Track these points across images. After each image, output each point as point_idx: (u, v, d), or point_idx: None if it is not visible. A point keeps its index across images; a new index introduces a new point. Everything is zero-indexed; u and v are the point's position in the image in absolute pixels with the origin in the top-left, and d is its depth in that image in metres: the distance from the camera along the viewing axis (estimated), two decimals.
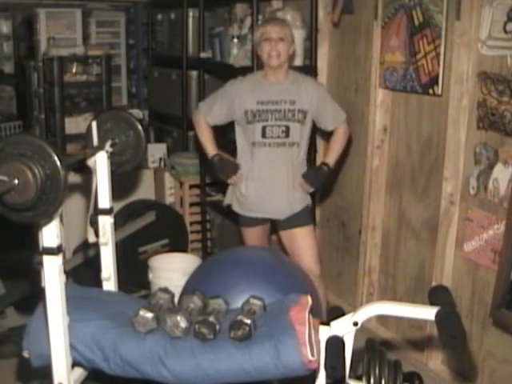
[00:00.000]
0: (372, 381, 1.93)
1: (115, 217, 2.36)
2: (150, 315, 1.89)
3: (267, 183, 3.03)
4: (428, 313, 1.87)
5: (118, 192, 2.44)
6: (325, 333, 1.92)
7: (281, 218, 3.08)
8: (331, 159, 3.11)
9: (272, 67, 2.96)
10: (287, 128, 2.98)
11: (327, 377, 1.86)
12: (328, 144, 3.31)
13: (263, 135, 2.98)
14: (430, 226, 3.02)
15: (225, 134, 3.45)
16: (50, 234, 1.76)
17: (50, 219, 1.72)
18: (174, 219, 4.27)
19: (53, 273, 1.78)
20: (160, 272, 3.35)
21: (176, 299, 2.14)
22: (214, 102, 3.09)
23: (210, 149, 3.12)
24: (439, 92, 2.86)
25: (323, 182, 3.19)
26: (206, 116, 3.09)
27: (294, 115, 2.98)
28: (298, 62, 3.54)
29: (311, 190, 3.13)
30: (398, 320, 3.22)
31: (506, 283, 2.51)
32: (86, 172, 2.27)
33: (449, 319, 1.81)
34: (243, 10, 4.25)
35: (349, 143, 3.57)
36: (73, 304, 1.89)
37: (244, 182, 3.06)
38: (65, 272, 1.83)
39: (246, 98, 2.98)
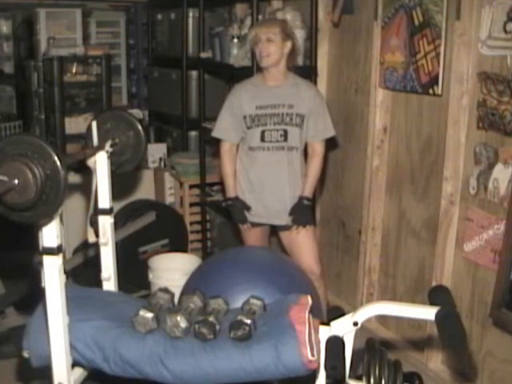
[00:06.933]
0: (372, 381, 1.93)
1: (115, 217, 2.36)
2: (149, 315, 1.89)
3: (267, 187, 3.02)
4: (428, 313, 1.87)
5: (118, 192, 2.44)
6: (325, 333, 1.92)
7: (288, 224, 3.05)
8: (308, 191, 3.04)
9: (264, 67, 2.96)
10: (285, 132, 2.96)
11: (327, 377, 1.87)
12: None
13: (262, 139, 2.97)
14: (430, 226, 3.02)
15: None
16: (50, 234, 1.76)
17: (50, 219, 1.72)
18: (174, 219, 4.27)
19: (53, 273, 1.79)
20: (160, 272, 3.35)
21: (176, 299, 2.14)
22: (222, 120, 3.06)
23: (232, 190, 3.08)
24: (439, 92, 2.86)
25: (309, 213, 3.11)
26: (226, 139, 3.06)
27: (291, 119, 2.96)
28: (298, 61, 3.54)
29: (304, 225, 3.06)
30: (398, 320, 3.22)
31: (506, 283, 2.51)
32: (86, 172, 2.27)
33: (449, 319, 1.81)
34: (243, 10, 4.25)
35: (349, 143, 3.58)
36: (73, 304, 1.89)
37: (243, 186, 3.07)
38: (65, 272, 1.83)
39: (245, 105, 2.98)
